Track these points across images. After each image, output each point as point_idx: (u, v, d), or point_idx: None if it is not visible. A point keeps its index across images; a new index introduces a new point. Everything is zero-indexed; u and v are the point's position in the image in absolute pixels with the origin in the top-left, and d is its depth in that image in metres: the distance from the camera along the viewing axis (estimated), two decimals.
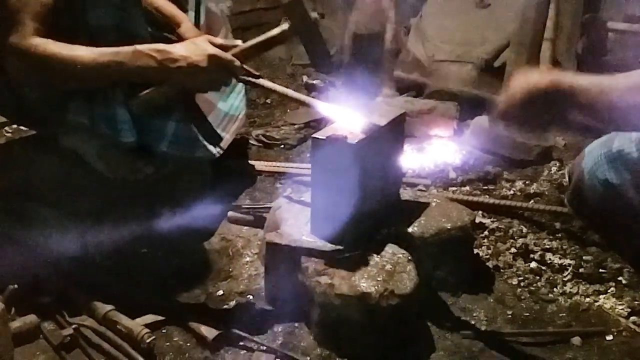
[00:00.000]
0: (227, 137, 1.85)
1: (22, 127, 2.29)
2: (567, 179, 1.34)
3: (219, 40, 1.39)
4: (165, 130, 1.63)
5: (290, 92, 1.54)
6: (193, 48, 1.34)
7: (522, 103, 1.09)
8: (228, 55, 1.36)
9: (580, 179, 1.25)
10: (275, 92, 1.54)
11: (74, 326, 1.36)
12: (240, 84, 1.96)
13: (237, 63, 1.37)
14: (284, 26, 1.38)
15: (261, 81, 1.48)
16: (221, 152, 1.79)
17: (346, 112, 1.40)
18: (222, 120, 1.86)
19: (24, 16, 1.33)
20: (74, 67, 1.32)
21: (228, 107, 1.90)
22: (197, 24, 1.74)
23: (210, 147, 1.76)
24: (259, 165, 2.21)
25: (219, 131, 1.82)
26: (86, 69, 1.32)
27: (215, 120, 1.83)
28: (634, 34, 2.73)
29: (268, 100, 3.00)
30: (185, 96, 1.65)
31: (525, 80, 1.10)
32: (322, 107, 1.48)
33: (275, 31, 1.40)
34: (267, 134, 2.52)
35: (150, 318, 1.39)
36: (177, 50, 1.34)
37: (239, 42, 1.43)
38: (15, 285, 1.38)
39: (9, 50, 1.33)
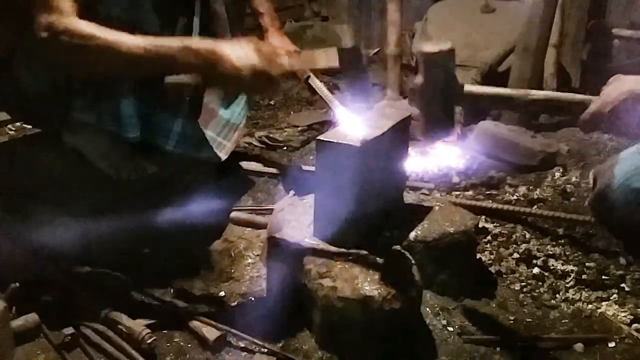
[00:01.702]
0: (229, 146, 1.85)
1: (25, 125, 2.30)
2: (591, 182, 1.33)
3: (270, 44, 1.32)
4: (172, 128, 1.63)
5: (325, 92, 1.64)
6: (242, 56, 1.29)
7: (617, 109, 1.08)
8: (273, 72, 1.31)
9: (609, 184, 1.23)
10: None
11: (74, 326, 1.35)
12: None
13: (279, 82, 1.33)
14: (334, 63, 1.35)
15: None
16: (225, 157, 1.79)
17: (359, 123, 1.40)
18: (224, 128, 1.86)
19: None
20: (117, 51, 1.28)
21: (229, 114, 1.90)
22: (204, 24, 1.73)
23: (216, 150, 1.77)
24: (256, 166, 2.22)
25: (220, 139, 1.82)
26: (130, 56, 1.28)
27: (217, 128, 1.83)
28: (639, 40, 2.72)
29: (271, 102, 3.01)
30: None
31: (621, 86, 1.10)
32: (340, 112, 1.50)
33: (323, 63, 1.37)
34: (270, 135, 2.52)
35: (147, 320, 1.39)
36: (226, 53, 1.29)
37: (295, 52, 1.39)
38: (17, 284, 1.37)
39: (47, 29, 1.28)
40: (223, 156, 1.80)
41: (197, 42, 1.32)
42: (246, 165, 2.20)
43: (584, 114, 1.13)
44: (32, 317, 1.35)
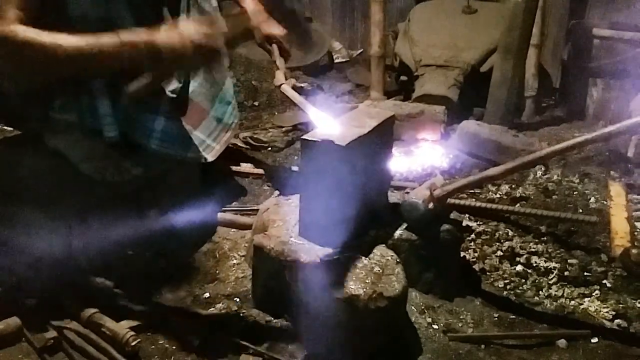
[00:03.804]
0: (218, 148, 1.83)
1: (5, 128, 2.27)
2: None
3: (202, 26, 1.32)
4: (154, 126, 1.62)
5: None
6: (177, 36, 1.29)
7: None
8: (212, 42, 1.30)
9: None
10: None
11: (57, 329, 1.34)
12: (232, 92, 1.96)
13: (222, 50, 1.33)
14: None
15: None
16: (212, 159, 1.77)
17: (333, 121, 1.40)
18: (214, 129, 1.84)
19: (6, 3, 1.28)
20: (55, 55, 1.26)
21: (221, 113, 1.88)
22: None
23: (203, 152, 1.75)
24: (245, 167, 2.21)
25: (209, 141, 1.80)
26: (68, 57, 1.26)
27: (207, 129, 1.81)
28: (618, 40, 2.76)
29: (256, 103, 3.00)
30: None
31: None
32: (313, 114, 1.50)
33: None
34: (255, 136, 2.51)
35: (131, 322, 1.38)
36: (161, 39, 1.28)
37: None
38: None
39: None
40: (210, 158, 1.78)
41: (134, 35, 1.29)
42: (237, 167, 2.20)
43: None
44: (13, 321, 1.33)
